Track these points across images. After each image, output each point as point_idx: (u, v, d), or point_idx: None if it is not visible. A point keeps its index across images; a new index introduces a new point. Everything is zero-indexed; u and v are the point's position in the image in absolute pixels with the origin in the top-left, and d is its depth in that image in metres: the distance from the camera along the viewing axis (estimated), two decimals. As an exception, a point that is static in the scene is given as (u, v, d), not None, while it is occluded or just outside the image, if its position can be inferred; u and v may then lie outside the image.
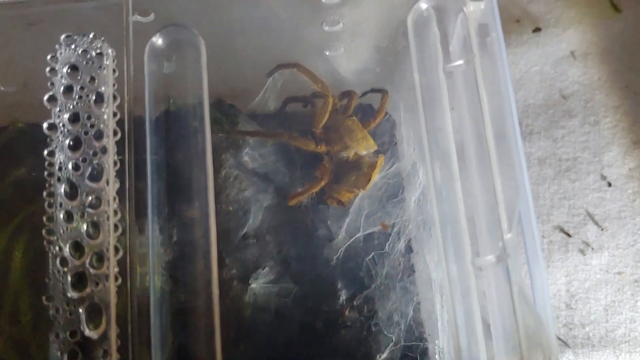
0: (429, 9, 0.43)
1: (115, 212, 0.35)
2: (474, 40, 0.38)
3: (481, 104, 0.36)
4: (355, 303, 0.47)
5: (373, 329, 0.47)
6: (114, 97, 0.37)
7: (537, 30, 0.65)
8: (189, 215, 0.41)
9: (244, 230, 0.48)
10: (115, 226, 0.35)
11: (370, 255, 0.49)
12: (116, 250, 0.35)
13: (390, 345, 0.46)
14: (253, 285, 0.47)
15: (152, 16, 0.42)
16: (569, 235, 0.58)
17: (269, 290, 0.47)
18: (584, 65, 0.63)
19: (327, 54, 0.50)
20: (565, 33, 0.65)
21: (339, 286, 0.48)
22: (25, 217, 0.45)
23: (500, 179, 0.36)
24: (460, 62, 0.40)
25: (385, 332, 0.47)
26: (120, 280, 0.35)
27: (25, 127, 0.50)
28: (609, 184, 0.59)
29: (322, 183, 0.49)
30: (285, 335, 0.46)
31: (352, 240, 0.49)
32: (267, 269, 0.47)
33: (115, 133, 0.36)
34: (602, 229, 0.58)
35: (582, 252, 0.57)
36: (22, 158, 0.48)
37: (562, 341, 0.54)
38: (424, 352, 0.47)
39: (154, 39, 0.41)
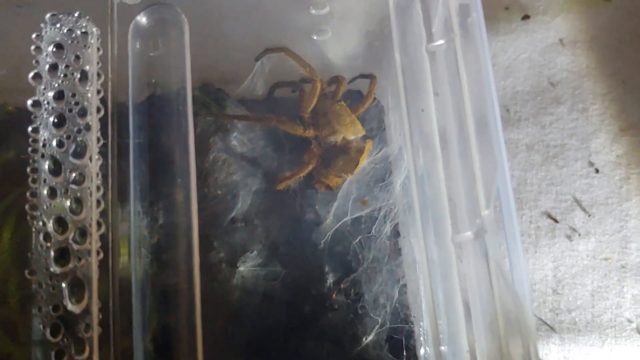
0: (412, -10, 0.43)
1: (98, 188, 0.35)
2: (454, 20, 0.39)
3: (461, 82, 0.37)
4: (342, 286, 0.48)
5: (359, 312, 0.47)
6: (98, 75, 0.37)
7: (526, 17, 0.65)
8: (172, 198, 0.41)
9: (232, 214, 0.48)
10: (98, 202, 0.35)
11: (357, 239, 0.49)
12: (99, 225, 0.35)
13: (376, 328, 0.47)
14: (241, 269, 0.47)
15: (139, -1, 0.42)
16: (556, 221, 0.58)
17: (256, 274, 0.47)
18: (573, 52, 0.63)
19: (315, 38, 0.50)
20: (554, 21, 0.65)
21: (326, 270, 0.48)
22: (14, 199, 0.46)
23: (479, 156, 0.36)
24: (441, 41, 0.41)
25: (371, 315, 0.47)
26: (102, 255, 0.35)
27: (15, 110, 0.50)
28: (597, 171, 0.59)
29: (310, 167, 0.49)
30: (272, 318, 0.46)
31: (339, 224, 0.49)
32: (255, 252, 0.48)
33: (98, 110, 0.37)
34: (589, 215, 0.58)
35: (569, 237, 0.57)
36: (10, 141, 0.48)
37: (549, 326, 0.54)
38: (410, 334, 0.47)
39: (138, 17, 0.41)
